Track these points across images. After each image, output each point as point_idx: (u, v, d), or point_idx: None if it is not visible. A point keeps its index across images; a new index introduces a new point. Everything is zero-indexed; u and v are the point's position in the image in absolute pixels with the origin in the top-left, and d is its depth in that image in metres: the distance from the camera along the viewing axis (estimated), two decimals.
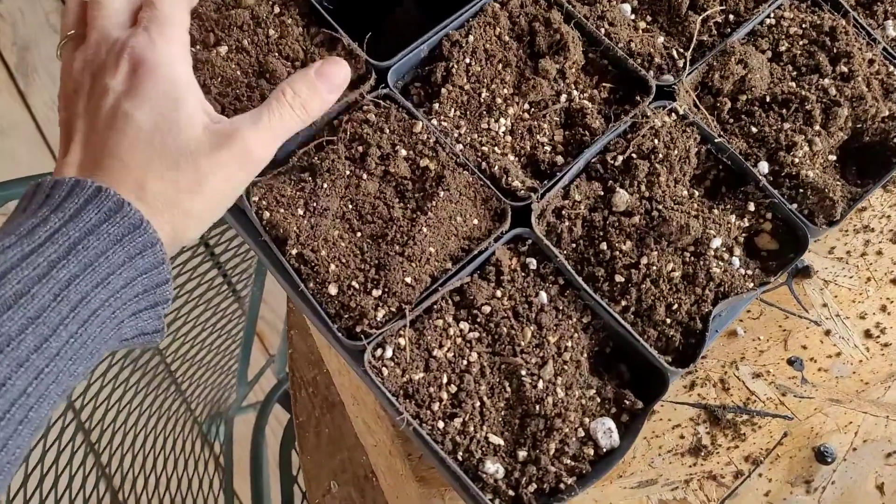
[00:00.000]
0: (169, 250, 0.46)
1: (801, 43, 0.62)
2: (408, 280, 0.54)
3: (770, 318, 0.73)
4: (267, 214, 0.56)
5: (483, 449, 0.52)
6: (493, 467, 0.52)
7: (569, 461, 0.52)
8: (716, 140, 0.59)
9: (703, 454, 0.68)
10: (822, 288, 0.73)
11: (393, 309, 0.54)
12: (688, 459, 0.68)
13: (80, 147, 0.47)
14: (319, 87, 0.53)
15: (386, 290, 0.54)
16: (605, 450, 0.53)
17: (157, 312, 0.46)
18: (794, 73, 0.62)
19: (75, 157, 0.47)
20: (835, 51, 0.61)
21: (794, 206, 0.58)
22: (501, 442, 0.53)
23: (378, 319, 0.54)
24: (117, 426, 1.05)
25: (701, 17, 0.63)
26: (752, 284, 0.56)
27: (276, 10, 0.61)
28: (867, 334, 0.72)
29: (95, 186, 0.43)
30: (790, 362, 0.71)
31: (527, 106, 0.61)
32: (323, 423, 0.72)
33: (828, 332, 0.72)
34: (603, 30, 0.63)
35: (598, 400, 0.55)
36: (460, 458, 0.52)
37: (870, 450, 0.68)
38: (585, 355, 0.56)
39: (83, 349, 0.40)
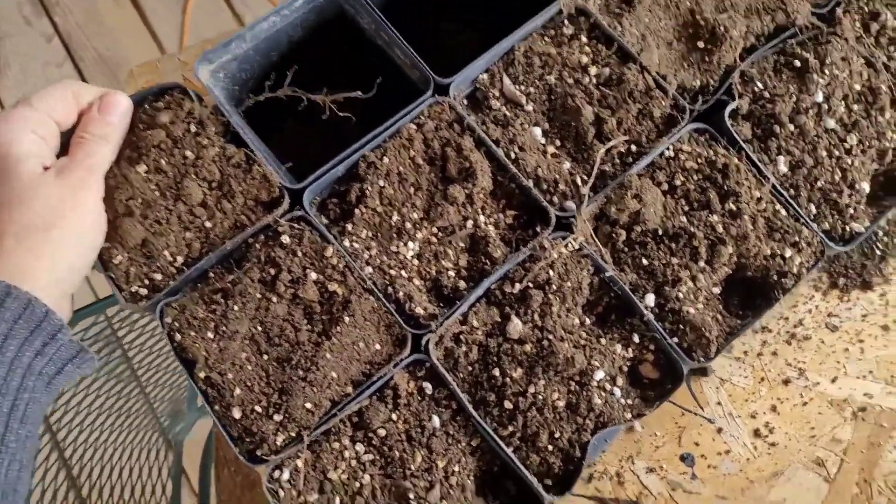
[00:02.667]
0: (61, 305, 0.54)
1: (695, 178, 0.66)
2: (308, 406, 0.58)
3: (668, 414, 0.78)
4: (178, 337, 0.59)
5: None
6: None
7: None
8: (607, 274, 0.63)
9: None
10: (719, 386, 0.78)
11: (292, 434, 0.58)
12: None
13: None
14: (108, 119, 0.60)
15: (287, 415, 0.58)
16: None
17: (75, 367, 0.54)
18: (687, 207, 0.66)
19: None
20: (725, 188, 0.65)
21: (675, 340, 0.62)
22: None
23: (277, 444, 0.58)
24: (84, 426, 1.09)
25: (605, 148, 0.66)
26: (629, 415, 0.61)
27: (193, 129, 0.63)
28: (756, 433, 0.77)
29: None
30: (682, 458, 0.76)
31: (435, 230, 0.65)
32: (244, 502, 0.77)
33: (720, 430, 0.77)
34: (513, 154, 0.66)
35: None
36: None
37: None
38: (472, 477, 0.60)
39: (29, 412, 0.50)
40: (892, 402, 0.77)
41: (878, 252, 0.80)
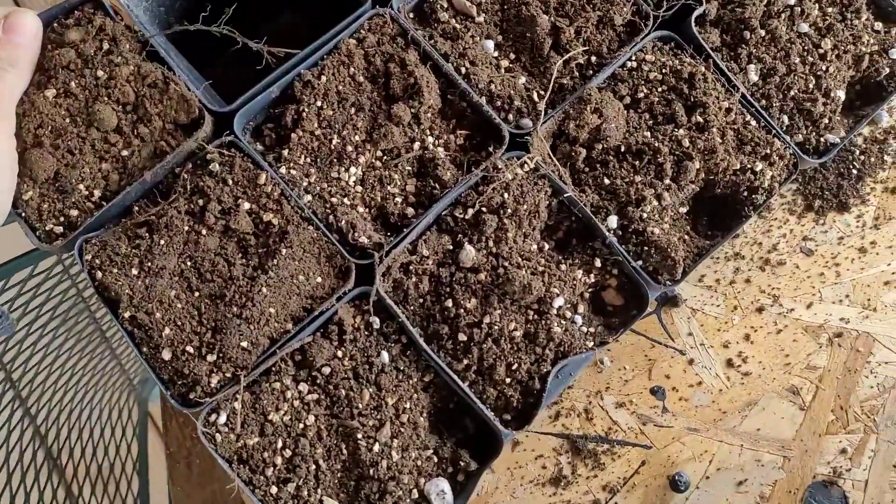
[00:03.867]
0: None
1: (659, 90, 0.61)
2: (244, 344, 0.54)
3: (637, 348, 0.74)
4: (99, 275, 0.54)
5: None
6: None
7: None
8: (566, 195, 0.58)
9: (562, 484, 0.70)
10: (690, 317, 0.75)
11: (228, 375, 0.54)
12: (548, 489, 0.70)
13: None
14: (15, 40, 0.54)
15: (221, 355, 0.53)
16: None
17: None
18: (651, 121, 0.61)
19: None
20: (692, 99, 0.60)
21: (640, 262, 0.58)
22: None
23: (212, 386, 0.53)
24: (48, 384, 1.05)
25: (562, 59, 0.61)
26: (591, 343, 0.57)
27: (105, 46, 0.57)
28: (729, 363, 0.74)
29: None
30: (653, 392, 0.73)
31: (379, 153, 0.60)
32: (194, 454, 0.73)
33: (691, 362, 0.73)
34: (464, 69, 0.61)
35: (436, 460, 0.56)
36: None
37: (722, 478, 0.71)
38: (425, 415, 0.56)
39: None
40: (869, 326, 0.74)
41: (854, 171, 0.76)
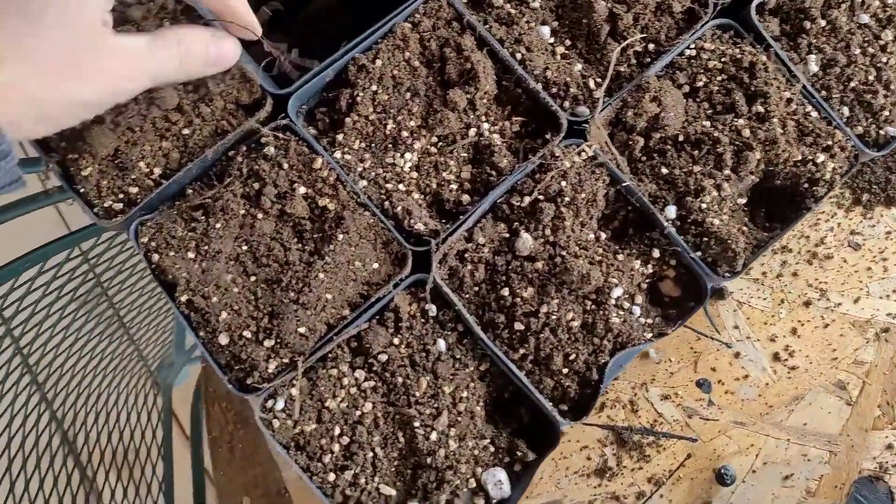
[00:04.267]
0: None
1: (719, 79, 0.60)
2: (301, 330, 0.53)
3: (682, 340, 0.74)
4: (156, 257, 0.54)
5: (374, 500, 0.53)
6: None
7: None
8: (624, 184, 0.57)
9: (608, 475, 0.70)
10: (736, 309, 0.74)
11: (285, 360, 0.53)
12: (593, 480, 0.70)
13: None
14: (215, 69, 0.52)
15: (279, 340, 0.53)
16: (495, 501, 0.54)
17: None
18: (710, 111, 0.60)
19: None
20: (752, 89, 0.59)
21: (699, 254, 0.57)
22: (393, 493, 0.53)
23: (269, 371, 0.53)
24: (66, 368, 1.05)
25: (620, 47, 0.60)
26: (649, 335, 0.56)
27: (167, 24, 0.56)
28: (776, 357, 0.73)
29: None
30: (699, 384, 0.73)
31: (434, 139, 0.59)
32: (236, 439, 0.72)
33: (737, 355, 0.73)
34: (519, 55, 0.60)
35: (492, 449, 0.55)
36: None
37: (769, 472, 0.70)
38: (482, 404, 0.56)
39: None
40: None
41: None
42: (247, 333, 0.53)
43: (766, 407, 0.72)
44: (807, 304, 0.74)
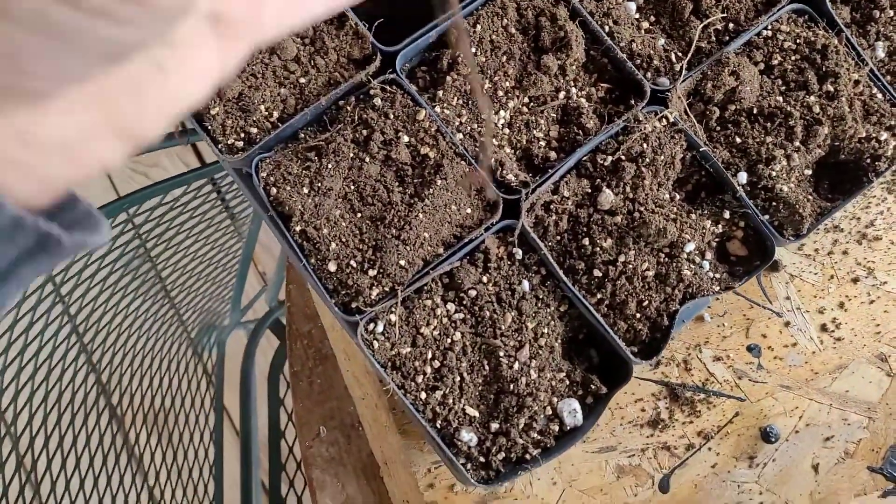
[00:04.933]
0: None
1: (793, 58, 0.65)
2: (402, 263, 0.59)
3: (736, 307, 0.78)
4: (274, 191, 0.60)
5: (460, 419, 0.58)
6: (468, 436, 0.58)
7: (535, 435, 0.58)
8: (701, 149, 0.62)
9: (660, 427, 0.75)
10: (788, 282, 0.78)
11: (386, 288, 0.59)
12: (646, 430, 0.75)
13: None
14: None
15: (381, 270, 0.58)
16: (569, 427, 0.59)
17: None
18: (783, 87, 0.65)
19: None
20: (824, 69, 0.64)
21: (766, 217, 0.62)
22: (476, 414, 0.59)
23: (372, 297, 0.58)
24: (111, 328, 1.09)
25: (702, 25, 0.65)
26: (717, 288, 0.61)
27: None
28: (823, 328, 0.77)
29: None
30: (749, 349, 0.77)
31: (526, 100, 0.64)
32: (315, 374, 0.78)
33: (787, 324, 0.77)
34: (607, 27, 0.65)
35: (567, 382, 0.60)
36: (439, 426, 0.58)
37: (811, 433, 0.75)
38: (559, 341, 0.61)
39: None
40: None
41: None
42: (353, 263, 0.59)
43: (811, 373, 0.76)
44: (854, 280, 0.78)
